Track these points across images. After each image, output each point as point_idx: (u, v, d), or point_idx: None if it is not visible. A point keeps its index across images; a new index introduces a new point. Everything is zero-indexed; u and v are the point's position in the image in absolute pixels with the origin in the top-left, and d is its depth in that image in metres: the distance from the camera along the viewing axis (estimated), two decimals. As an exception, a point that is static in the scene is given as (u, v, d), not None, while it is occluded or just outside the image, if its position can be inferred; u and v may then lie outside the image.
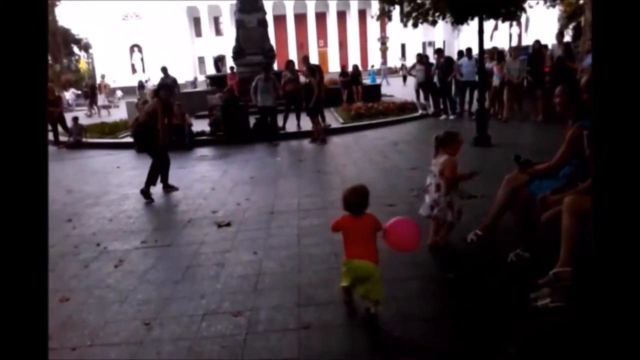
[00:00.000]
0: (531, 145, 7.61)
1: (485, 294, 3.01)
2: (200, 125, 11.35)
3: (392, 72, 39.20)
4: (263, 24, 17.04)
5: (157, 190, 6.40)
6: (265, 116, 10.42)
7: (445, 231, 3.71)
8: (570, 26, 23.72)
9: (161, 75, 13.55)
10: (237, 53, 16.82)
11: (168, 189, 6.44)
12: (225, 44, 39.75)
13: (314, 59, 34.83)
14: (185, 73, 46.20)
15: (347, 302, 2.96)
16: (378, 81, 31.80)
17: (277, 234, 4.42)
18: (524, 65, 11.20)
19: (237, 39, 17.05)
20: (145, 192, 6.01)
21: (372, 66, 39.92)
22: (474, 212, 4.24)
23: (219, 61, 23.30)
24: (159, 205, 5.89)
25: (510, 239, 3.54)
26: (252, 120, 10.74)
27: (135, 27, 46.94)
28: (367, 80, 28.75)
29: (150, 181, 6.12)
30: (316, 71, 10.23)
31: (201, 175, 7.32)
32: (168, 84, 6.73)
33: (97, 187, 6.97)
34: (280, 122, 10.95)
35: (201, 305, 3.10)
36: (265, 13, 17.44)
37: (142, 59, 46.64)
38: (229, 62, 19.48)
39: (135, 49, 47.42)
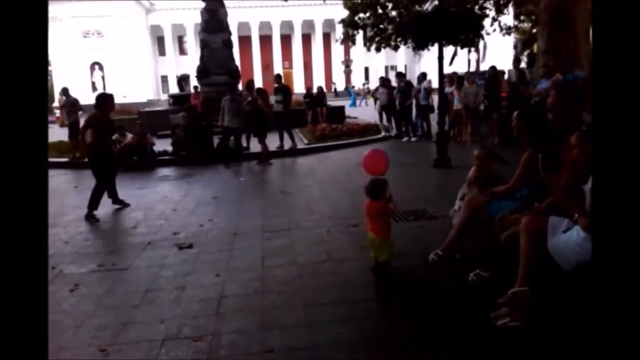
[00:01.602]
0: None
1: (447, 313, 3.05)
2: (163, 145, 11.16)
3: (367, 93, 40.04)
4: (228, 44, 17.08)
5: (116, 210, 6.24)
6: (229, 136, 10.37)
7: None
8: (525, 53, 24.80)
9: (63, 97, 12.81)
10: (202, 73, 16.75)
11: (119, 204, 6.33)
12: (189, 63, 39.56)
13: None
14: (147, 92, 45.61)
15: (373, 267, 3.74)
16: (358, 102, 32.25)
17: (240, 255, 4.35)
18: (480, 89, 11.64)
19: (202, 59, 17.00)
20: (89, 216, 5.87)
21: (353, 86, 40.28)
22: (435, 232, 4.32)
23: (182, 80, 23.09)
24: (117, 227, 5.72)
25: (471, 259, 3.62)
26: (216, 140, 10.67)
27: (97, 44, 46.07)
28: (348, 101, 29.36)
29: (93, 205, 5.95)
30: (265, 93, 10.48)
31: (162, 196, 7.17)
32: (106, 95, 6.44)
33: (54, 208, 6.68)
34: (244, 143, 10.92)
35: (160, 330, 3.00)
36: (230, 34, 17.50)
37: (103, 77, 45.68)
38: (193, 82, 19.34)
39: (96, 66, 46.45)
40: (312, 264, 4.05)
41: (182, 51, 52.19)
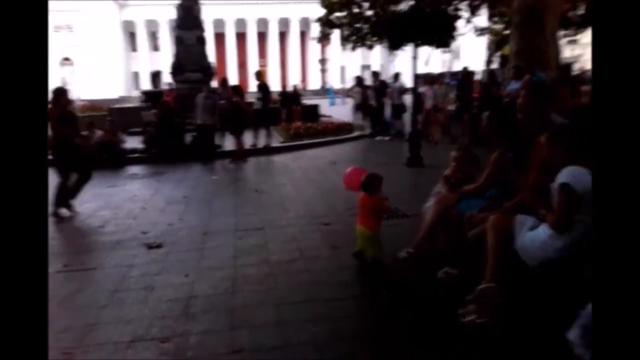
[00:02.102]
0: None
1: (417, 310, 3.07)
2: (134, 143, 10.95)
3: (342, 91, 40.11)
4: (202, 41, 16.89)
5: (84, 209, 6.08)
6: (203, 134, 10.25)
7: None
8: (498, 54, 25.22)
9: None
10: (175, 69, 16.53)
11: (67, 208, 5.91)
12: (163, 59, 38.98)
13: (253, 78, 35.07)
14: (118, 88, 44.73)
15: (358, 258, 3.87)
16: (337, 100, 32.23)
17: (211, 255, 4.30)
18: (449, 90, 11.82)
19: (176, 55, 16.78)
20: (55, 214, 5.67)
21: (332, 85, 40.36)
22: (407, 230, 4.35)
23: (155, 77, 22.80)
24: (84, 226, 5.58)
25: (442, 256, 3.65)
26: (188, 138, 10.54)
27: (67, 40, 44.95)
28: (326, 100, 29.27)
29: (59, 202, 5.75)
30: (240, 90, 10.50)
31: (132, 194, 7.03)
32: (60, 89, 6.24)
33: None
34: (217, 141, 10.80)
35: (127, 331, 2.94)
36: (204, 30, 17.32)
37: (73, 73, 44.57)
38: (166, 78, 19.07)
39: (67, 62, 45.31)
40: (284, 263, 4.03)
41: (155, 47, 51.33)
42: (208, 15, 29.87)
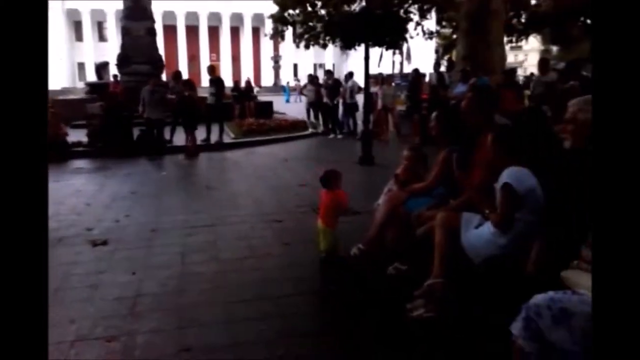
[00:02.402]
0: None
1: (367, 306, 3.13)
2: (77, 136, 10.50)
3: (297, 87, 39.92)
4: (151, 32, 16.40)
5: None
6: (151, 128, 9.98)
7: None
8: (445, 58, 25.98)
9: None
10: (122, 61, 15.96)
11: None
12: (110, 50, 37.57)
13: (205, 72, 34.36)
14: (61, 79, 42.71)
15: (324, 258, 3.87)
16: (292, 98, 32.10)
17: (159, 252, 4.19)
18: (397, 91, 12.09)
19: (123, 47, 16.21)
20: None
21: (288, 82, 40.19)
22: (359, 227, 4.41)
23: (101, 68, 21.80)
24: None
25: (391, 253, 3.73)
26: (136, 132, 10.22)
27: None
28: (282, 97, 28.98)
29: None
30: (193, 85, 10.32)
31: (75, 190, 6.74)
32: None
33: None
34: (167, 135, 10.54)
35: (70, 331, 2.83)
36: (154, 22, 16.82)
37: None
38: (113, 70, 18.35)
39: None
40: (235, 260, 3.99)
41: (102, 37, 49.34)
42: (158, 6, 28.96)
